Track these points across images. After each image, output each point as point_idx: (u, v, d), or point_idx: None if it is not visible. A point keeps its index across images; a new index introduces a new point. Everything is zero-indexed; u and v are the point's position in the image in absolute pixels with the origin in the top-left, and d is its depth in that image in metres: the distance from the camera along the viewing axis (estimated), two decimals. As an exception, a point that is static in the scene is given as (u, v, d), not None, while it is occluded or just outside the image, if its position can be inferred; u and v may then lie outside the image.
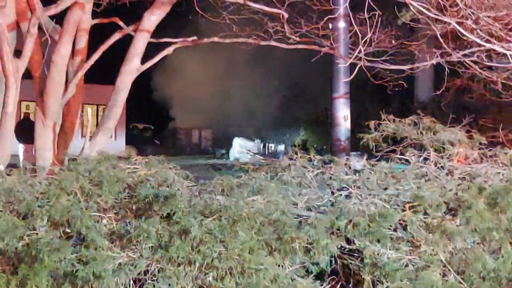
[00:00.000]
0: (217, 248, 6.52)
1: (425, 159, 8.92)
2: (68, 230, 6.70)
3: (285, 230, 6.90)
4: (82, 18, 11.23)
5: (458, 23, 11.57)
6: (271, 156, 35.29)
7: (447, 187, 8.11)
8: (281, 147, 41.76)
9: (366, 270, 7.14)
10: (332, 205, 8.02)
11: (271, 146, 43.42)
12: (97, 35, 11.87)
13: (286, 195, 7.83)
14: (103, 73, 21.49)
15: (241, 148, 39.47)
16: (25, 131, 16.21)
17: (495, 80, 15.80)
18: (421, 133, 9.33)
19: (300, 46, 13.39)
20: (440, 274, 7.15)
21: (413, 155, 8.95)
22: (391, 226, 7.46)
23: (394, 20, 16.51)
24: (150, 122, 47.89)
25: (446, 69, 14.09)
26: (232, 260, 6.47)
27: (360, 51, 11.65)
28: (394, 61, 15.22)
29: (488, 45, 12.07)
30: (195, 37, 12.27)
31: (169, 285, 6.40)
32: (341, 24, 14.86)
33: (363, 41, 11.55)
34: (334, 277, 7.34)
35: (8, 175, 7.65)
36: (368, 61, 12.68)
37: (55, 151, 10.83)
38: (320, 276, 7.14)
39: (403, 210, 7.72)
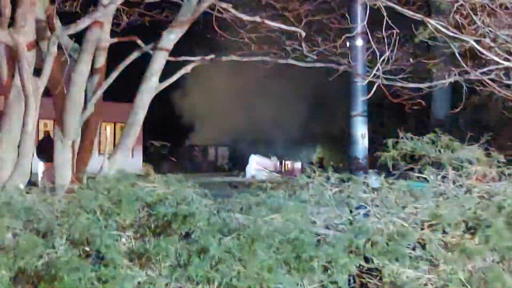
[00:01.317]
0: (236, 267, 6.52)
1: (444, 177, 8.89)
2: (87, 249, 6.72)
3: (303, 249, 6.89)
4: (101, 37, 11.31)
5: (476, 41, 11.57)
6: (288, 173, 35.23)
7: (466, 205, 8.08)
8: (298, 165, 41.66)
9: (385, 289, 7.12)
10: (351, 223, 8.01)
11: (288, 164, 43.35)
12: (116, 54, 11.95)
13: (304, 214, 7.83)
14: (121, 91, 21.56)
15: (257, 166, 39.41)
16: (47, 149, 16.29)
17: (513, 98, 15.72)
18: (439, 151, 9.30)
19: (317, 65, 13.42)
20: (459, 293, 7.12)
21: (432, 173, 8.92)
22: (410, 244, 7.45)
23: (412, 38, 16.49)
24: (166, 139, 48.00)
25: (464, 87, 14.04)
26: (251, 279, 6.47)
27: (378, 69, 11.66)
28: (411, 79, 15.18)
29: (506, 63, 12.05)
30: (213, 56, 12.31)
31: (188, 303, 6.41)
32: (359, 42, 14.78)
33: (381, 59, 11.57)
34: (353, 296, 7.33)
35: (28, 193, 7.70)
36: (386, 79, 12.67)
37: (74, 170, 10.88)
38: (338, 295, 7.12)
39: (422, 229, 7.70)
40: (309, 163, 38.23)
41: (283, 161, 43.68)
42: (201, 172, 41.73)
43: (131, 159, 32.81)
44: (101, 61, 11.57)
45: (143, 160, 39.23)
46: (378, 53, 11.71)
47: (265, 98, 44.21)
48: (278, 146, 45.94)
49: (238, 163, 43.90)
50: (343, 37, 13.90)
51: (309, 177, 8.85)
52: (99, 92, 11.33)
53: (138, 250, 6.78)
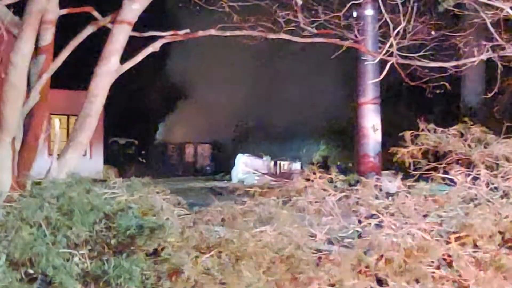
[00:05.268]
0: (217, 292, 6.52)
1: (475, 178, 8.89)
2: (31, 271, 6.69)
3: (301, 269, 6.89)
4: (47, 8, 11.25)
5: (513, 8, 11.59)
6: (284, 176, 35.27)
7: (503, 213, 8.08)
8: (296, 165, 41.71)
9: (403, 317, 7.13)
10: (359, 236, 8.01)
11: (283, 165, 43.38)
12: (66, 28, 11.89)
13: (301, 225, 7.82)
14: (74, 75, 21.57)
15: (246, 167, 39.44)
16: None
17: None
18: (469, 146, 9.31)
19: (317, 40, 13.39)
20: (494, 321, 7.13)
21: (460, 174, 8.92)
22: (433, 262, 7.45)
23: (434, 6, 16.52)
24: (133, 135, 47.94)
25: (499, 66, 14.04)
26: (235, 306, 6.47)
27: (392, 45, 11.65)
28: (434, 57, 15.21)
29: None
30: (187, 30, 12.29)
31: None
32: (368, 11, 14.89)
33: (395, 32, 11.56)
34: (363, 327, 7.33)
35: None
36: (402, 57, 12.67)
37: (15, 173, 10.83)
38: (345, 326, 7.13)
39: (448, 243, 7.70)
40: (310, 163, 38.29)
41: (278, 162, 43.64)
42: (177, 175, 41.72)
43: (89, 161, 32.75)
44: (48, 38, 11.51)
45: (105, 162, 39.21)
46: (392, 25, 11.70)
47: (255, 83, 44.18)
48: (272, 143, 45.87)
49: (222, 164, 43.88)
50: (349, 5, 13.93)
51: (307, 179, 8.85)
52: (46, 77, 11.28)
53: (94, 272, 6.75)
